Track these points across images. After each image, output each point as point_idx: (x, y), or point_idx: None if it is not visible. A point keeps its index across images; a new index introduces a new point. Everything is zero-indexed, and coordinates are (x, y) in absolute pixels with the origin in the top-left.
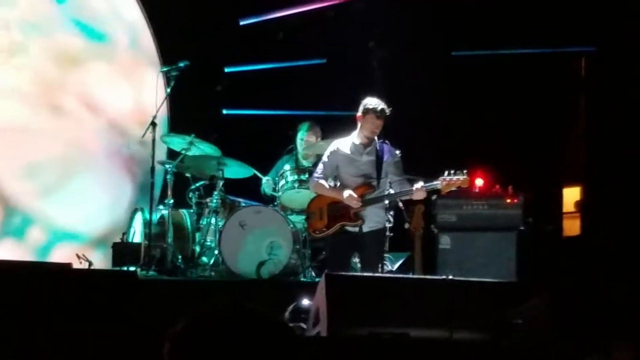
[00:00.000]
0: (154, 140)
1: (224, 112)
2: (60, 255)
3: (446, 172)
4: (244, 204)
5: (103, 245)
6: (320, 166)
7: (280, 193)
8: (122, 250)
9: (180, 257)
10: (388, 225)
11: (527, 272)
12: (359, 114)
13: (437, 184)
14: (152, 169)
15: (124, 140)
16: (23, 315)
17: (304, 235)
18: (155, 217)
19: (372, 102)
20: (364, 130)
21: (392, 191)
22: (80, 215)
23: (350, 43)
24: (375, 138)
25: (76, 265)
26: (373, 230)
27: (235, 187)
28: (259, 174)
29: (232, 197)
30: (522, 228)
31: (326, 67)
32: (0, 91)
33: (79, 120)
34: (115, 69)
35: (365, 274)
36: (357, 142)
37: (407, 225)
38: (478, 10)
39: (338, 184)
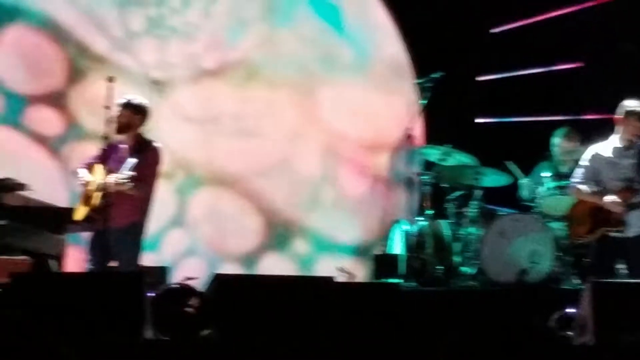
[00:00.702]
0: (410, 152)
1: (478, 120)
2: (323, 266)
3: None
4: (502, 212)
5: (363, 256)
6: (579, 171)
7: (540, 200)
8: (383, 262)
9: (440, 267)
10: None
11: None
12: (620, 116)
13: None
14: (410, 181)
15: (378, 152)
16: (288, 329)
17: (565, 241)
18: (414, 228)
19: (633, 104)
20: (625, 134)
21: None
22: (341, 226)
23: (606, 44)
24: (637, 140)
25: (339, 277)
26: (638, 235)
27: (493, 195)
28: (518, 174)
29: (490, 206)
30: None
31: (582, 71)
32: (268, 107)
33: (336, 133)
34: (372, 83)
35: (632, 280)
36: (618, 145)
37: None
38: None
39: (599, 188)
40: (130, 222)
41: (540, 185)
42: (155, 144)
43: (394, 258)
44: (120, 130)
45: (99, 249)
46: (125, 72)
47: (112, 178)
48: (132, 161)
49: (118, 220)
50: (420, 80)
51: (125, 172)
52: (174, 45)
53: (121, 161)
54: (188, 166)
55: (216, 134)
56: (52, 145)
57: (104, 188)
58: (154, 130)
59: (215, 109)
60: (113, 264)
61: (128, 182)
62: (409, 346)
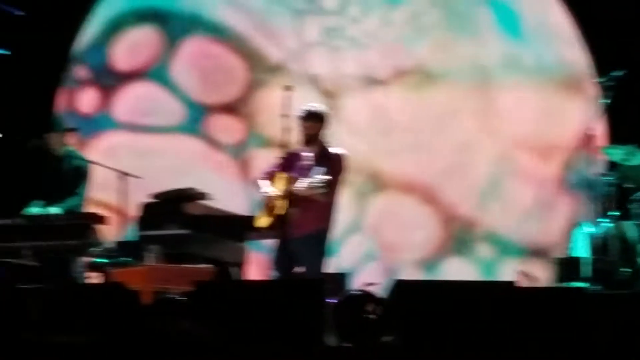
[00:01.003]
0: (591, 153)
1: None
2: (506, 269)
3: None
4: None
5: (545, 260)
6: None
7: None
8: (566, 265)
9: (627, 270)
10: None
11: None
12: None
13: None
14: (591, 182)
15: (557, 155)
16: (469, 334)
17: None
18: (599, 230)
19: None
20: None
21: None
22: (521, 229)
23: None
24: None
25: (520, 281)
26: None
27: None
28: None
29: None
30: None
31: None
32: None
33: (514, 136)
34: (551, 86)
35: None
36: None
37: None
38: None
39: None
40: (316, 229)
41: None
42: (339, 151)
43: (576, 261)
44: (307, 142)
45: (283, 256)
46: (298, 82)
47: (304, 183)
48: (319, 169)
49: (304, 227)
50: (602, 79)
51: (317, 176)
52: (348, 54)
53: (305, 169)
54: (365, 172)
55: (392, 140)
56: (232, 153)
57: (289, 195)
58: (331, 137)
59: (392, 115)
60: (298, 270)
61: (320, 186)
62: (593, 351)
